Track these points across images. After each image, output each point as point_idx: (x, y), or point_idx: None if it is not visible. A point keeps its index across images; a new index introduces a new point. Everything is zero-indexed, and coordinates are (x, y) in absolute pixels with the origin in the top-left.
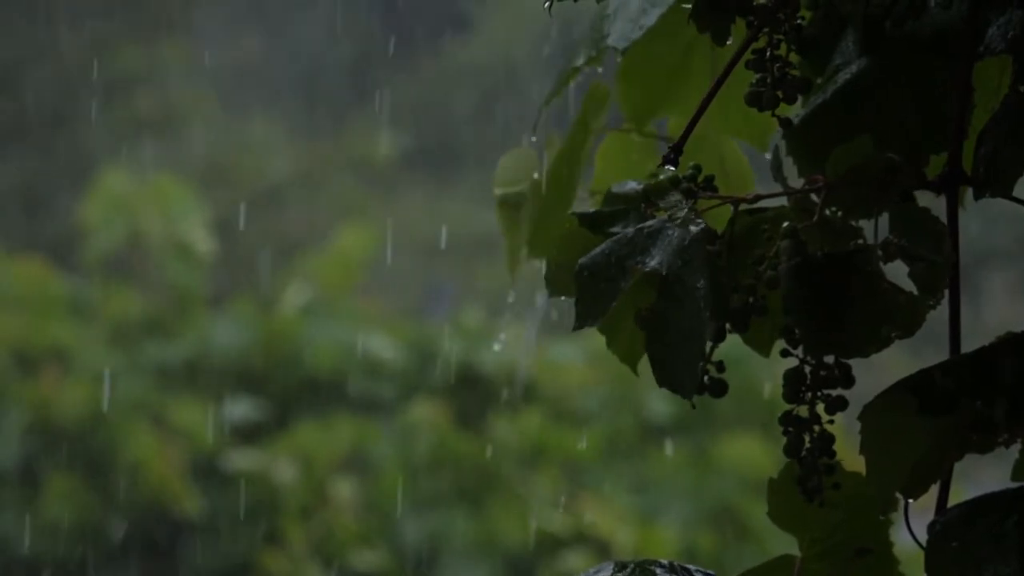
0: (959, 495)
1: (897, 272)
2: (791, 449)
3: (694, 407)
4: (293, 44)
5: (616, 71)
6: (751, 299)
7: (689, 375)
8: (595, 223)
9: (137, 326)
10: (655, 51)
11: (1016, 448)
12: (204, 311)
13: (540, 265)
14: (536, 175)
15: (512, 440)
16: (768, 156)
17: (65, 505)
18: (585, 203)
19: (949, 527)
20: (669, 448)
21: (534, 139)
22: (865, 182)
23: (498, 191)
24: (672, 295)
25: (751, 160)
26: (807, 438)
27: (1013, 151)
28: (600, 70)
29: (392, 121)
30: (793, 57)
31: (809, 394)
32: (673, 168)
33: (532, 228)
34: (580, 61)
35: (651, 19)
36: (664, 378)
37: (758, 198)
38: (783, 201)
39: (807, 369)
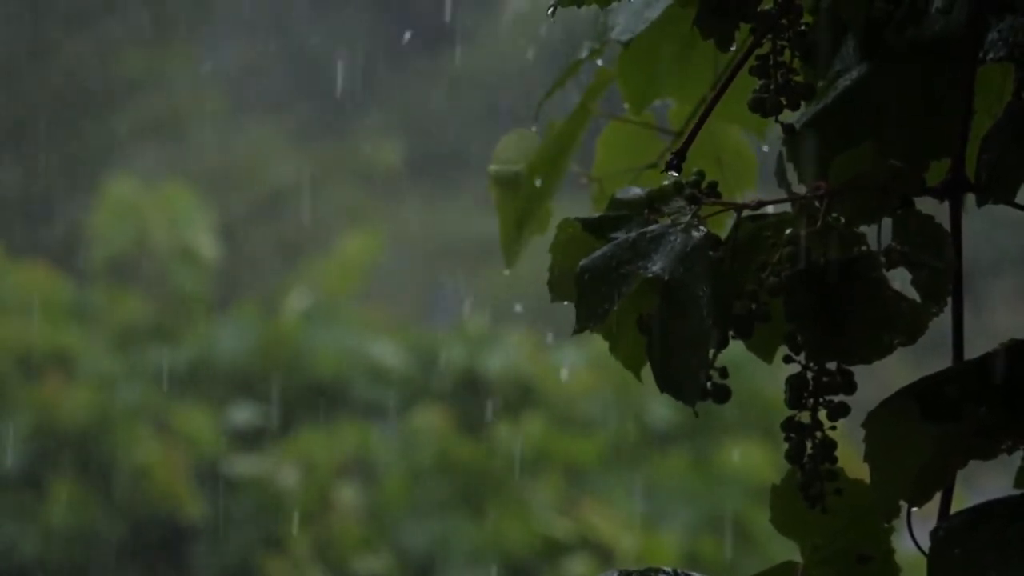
0: (961, 502)
1: (900, 279)
2: (793, 455)
3: (697, 415)
4: (296, 51)
5: (619, 56)
6: (754, 306)
7: (692, 382)
8: (598, 228)
9: (141, 331)
10: (658, 37)
11: (1019, 455)
12: (208, 316)
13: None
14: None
15: (515, 446)
16: (766, 148)
17: (69, 510)
18: (585, 189)
19: (952, 534)
20: (672, 453)
21: (535, 128)
22: (868, 188)
23: (493, 168)
24: (675, 301)
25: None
26: (809, 444)
27: (1016, 157)
28: (599, 63)
29: (395, 127)
30: (796, 63)
31: (811, 400)
32: (676, 173)
33: (522, 207)
34: (584, 53)
35: (655, 12)
36: (666, 384)
37: (761, 204)
38: (786, 207)
39: (809, 375)
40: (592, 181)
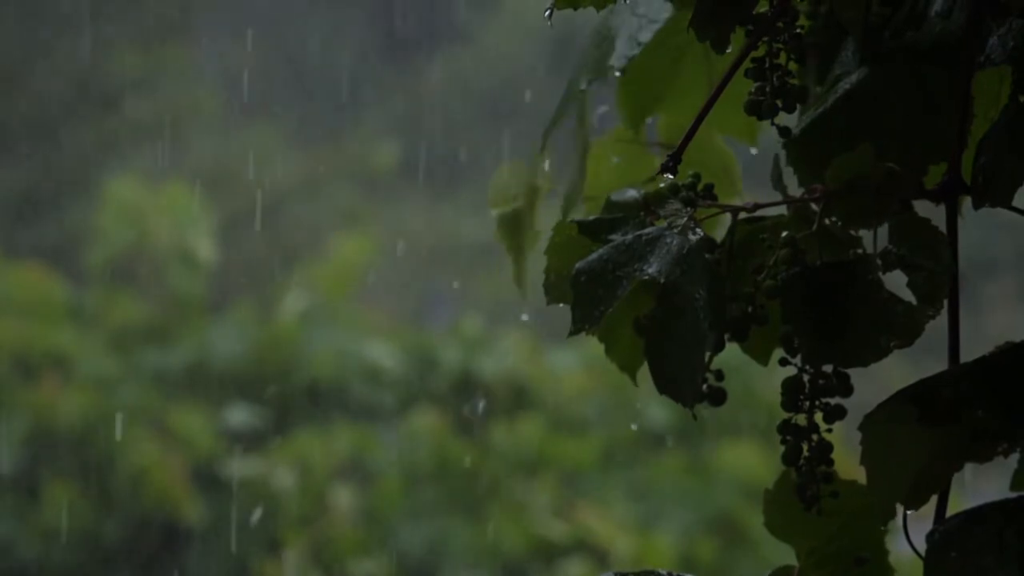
0: (957, 504)
1: (897, 281)
2: (789, 457)
3: (695, 417)
4: (291, 52)
5: (618, 81)
6: (750, 308)
7: (690, 384)
8: (594, 231)
9: (137, 332)
10: (650, 56)
11: (1015, 458)
12: (204, 318)
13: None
14: (536, 185)
15: (511, 448)
16: (754, 151)
17: (65, 512)
18: (579, 209)
19: (948, 536)
20: (668, 456)
21: (547, 163)
22: (864, 192)
23: (494, 211)
24: (671, 304)
25: (746, 160)
26: (805, 447)
27: (1012, 161)
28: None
29: (391, 130)
30: (792, 65)
31: (808, 403)
32: (672, 176)
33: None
34: (583, 84)
35: (647, 35)
36: (665, 386)
37: (757, 207)
38: (783, 210)
39: (806, 378)
40: (584, 200)
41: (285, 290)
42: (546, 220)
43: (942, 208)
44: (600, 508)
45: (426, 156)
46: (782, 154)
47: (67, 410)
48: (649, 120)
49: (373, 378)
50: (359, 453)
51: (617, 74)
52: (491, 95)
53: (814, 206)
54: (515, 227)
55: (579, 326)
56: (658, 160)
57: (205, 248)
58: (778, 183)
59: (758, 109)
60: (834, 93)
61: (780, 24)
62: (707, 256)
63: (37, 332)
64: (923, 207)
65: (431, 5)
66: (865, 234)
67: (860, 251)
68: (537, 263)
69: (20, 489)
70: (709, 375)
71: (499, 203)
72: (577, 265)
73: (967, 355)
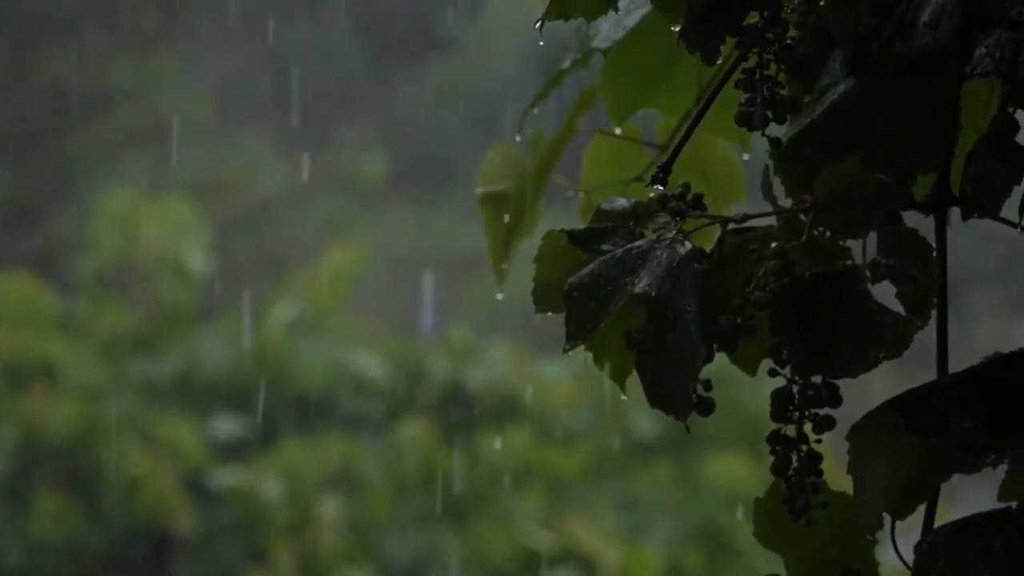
0: (945, 515)
1: (885, 292)
2: (778, 468)
3: (688, 429)
4: (279, 62)
5: (601, 66)
6: (740, 319)
7: (682, 397)
8: (584, 240)
9: (127, 342)
10: (642, 49)
11: (1003, 468)
12: (193, 328)
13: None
14: (525, 168)
15: (499, 458)
16: (747, 156)
17: (54, 522)
18: (570, 202)
19: (936, 547)
20: (656, 467)
21: (518, 138)
22: (853, 202)
23: (480, 189)
24: (663, 317)
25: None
26: (794, 457)
27: (1001, 172)
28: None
29: (379, 140)
30: (781, 76)
31: (797, 414)
32: (662, 187)
33: (510, 225)
34: (567, 65)
35: (633, 20)
36: (657, 399)
37: (746, 218)
38: (771, 220)
39: (795, 389)
40: (579, 194)
41: (274, 300)
42: (549, 223)
43: (931, 219)
44: (588, 519)
45: (414, 166)
46: (770, 164)
47: (56, 420)
48: (644, 116)
49: (361, 388)
50: (347, 463)
51: (601, 55)
52: (478, 104)
53: (803, 217)
54: (498, 206)
55: (573, 341)
56: (653, 157)
57: (197, 259)
58: (768, 193)
59: (749, 120)
60: (821, 104)
61: (770, 35)
62: (696, 267)
63: (26, 342)
64: (911, 218)
65: (418, 16)
66: (854, 245)
67: (849, 262)
68: (525, 271)
69: (9, 499)
70: (697, 386)
71: (486, 182)
72: (570, 280)
73: (955, 365)
